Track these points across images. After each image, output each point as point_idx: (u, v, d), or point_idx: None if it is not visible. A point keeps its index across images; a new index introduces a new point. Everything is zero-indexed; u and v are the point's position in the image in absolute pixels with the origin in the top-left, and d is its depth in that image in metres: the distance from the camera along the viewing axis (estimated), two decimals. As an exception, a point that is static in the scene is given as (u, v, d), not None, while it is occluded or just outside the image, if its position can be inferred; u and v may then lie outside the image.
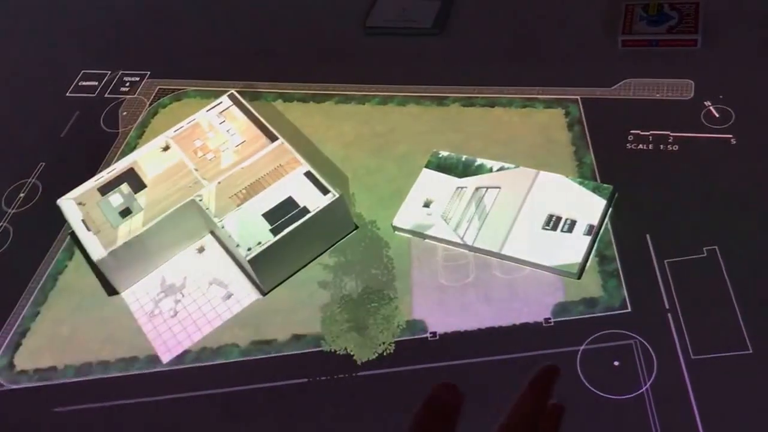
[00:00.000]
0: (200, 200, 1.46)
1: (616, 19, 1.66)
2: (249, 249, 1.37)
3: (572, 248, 1.32)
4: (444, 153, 1.51)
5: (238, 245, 1.38)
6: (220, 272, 1.47)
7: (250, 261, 1.36)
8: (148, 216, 1.46)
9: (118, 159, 1.65)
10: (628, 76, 1.58)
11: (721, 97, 1.50)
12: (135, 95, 1.86)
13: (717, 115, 1.48)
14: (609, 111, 1.54)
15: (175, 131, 1.60)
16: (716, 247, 1.30)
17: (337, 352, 1.31)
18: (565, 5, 1.78)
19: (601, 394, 1.17)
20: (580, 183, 1.41)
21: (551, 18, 1.77)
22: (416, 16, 1.82)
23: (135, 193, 1.51)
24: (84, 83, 1.94)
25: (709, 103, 1.50)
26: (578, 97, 1.57)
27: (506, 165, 1.46)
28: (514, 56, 1.70)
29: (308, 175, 1.45)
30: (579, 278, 1.30)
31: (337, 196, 1.41)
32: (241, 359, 1.35)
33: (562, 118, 1.55)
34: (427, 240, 1.42)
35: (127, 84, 1.90)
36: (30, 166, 1.75)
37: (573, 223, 1.35)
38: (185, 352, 1.38)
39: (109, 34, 2.09)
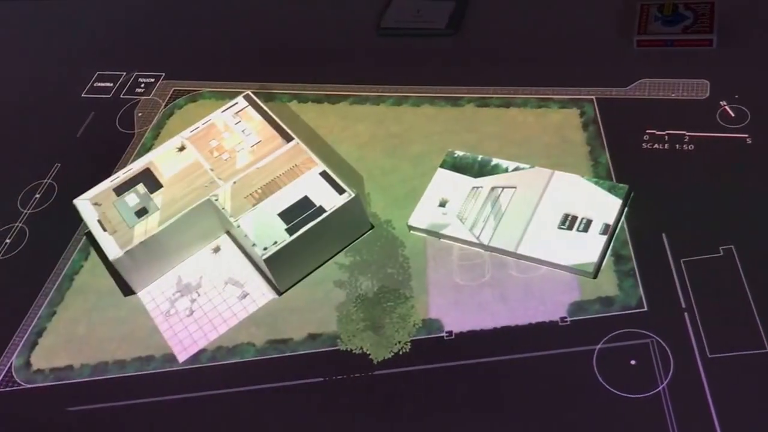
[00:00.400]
0: (216, 200, 1.47)
1: (631, 19, 1.66)
2: (265, 248, 1.37)
3: (588, 247, 1.32)
4: (459, 153, 1.52)
5: (254, 245, 1.38)
6: (236, 272, 1.47)
7: (266, 260, 1.36)
8: (164, 216, 1.47)
9: (134, 159, 1.65)
10: (644, 76, 1.58)
11: (736, 96, 1.50)
12: (150, 96, 1.87)
13: (733, 115, 1.48)
14: (624, 111, 1.54)
15: (191, 132, 1.61)
16: (732, 246, 1.29)
17: (353, 351, 1.31)
18: (579, 5, 1.78)
19: (618, 393, 1.17)
20: (596, 183, 1.41)
21: (566, 18, 1.77)
22: (430, 17, 1.83)
23: (151, 193, 1.52)
24: (99, 84, 1.94)
25: (725, 103, 1.50)
26: (593, 97, 1.57)
27: (521, 165, 1.46)
28: (528, 56, 1.70)
29: (324, 174, 1.46)
30: (595, 277, 1.30)
31: (353, 195, 1.41)
32: (257, 358, 1.35)
33: (577, 118, 1.55)
34: (442, 239, 1.42)
35: (142, 85, 1.91)
36: (46, 167, 1.76)
37: (589, 222, 1.35)
38: (201, 352, 1.38)
39: (123, 35, 2.10)
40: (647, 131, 1.49)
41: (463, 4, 1.85)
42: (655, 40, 1.63)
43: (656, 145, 1.46)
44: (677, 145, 1.45)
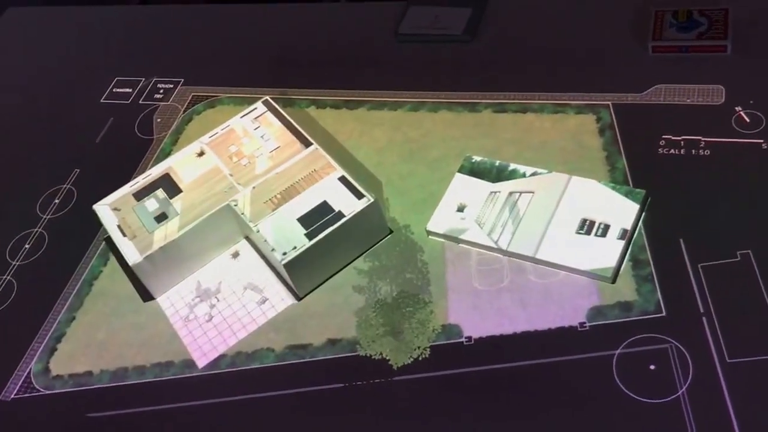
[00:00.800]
0: (235, 205, 1.47)
1: (646, 25, 1.67)
2: (284, 253, 1.37)
3: (606, 252, 1.33)
4: (477, 158, 1.52)
5: (273, 249, 1.39)
6: (255, 277, 1.48)
7: (285, 265, 1.37)
8: (184, 221, 1.47)
9: (153, 165, 1.66)
10: (659, 82, 1.58)
11: (751, 102, 1.51)
12: (169, 102, 1.88)
13: (748, 120, 1.48)
14: (640, 116, 1.54)
15: (210, 137, 1.62)
16: (750, 251, 1.30)
17: (373, 357, 1.32)
18: (595, 12, 1.79)
19: (638, 398, 1.18)
20: (613, 188, 1.41)
21: (581, 24, 1.78)
22: (447, 23, 1.83)
23: (170, 198, 1.52)
24: (118, 90, 1.95)
25: (740, 109, 1.50)
26: (609, 102, 1.58)
27: (539, 170, 1.47)
28: (545, 62, 1.71)
29: (342, 179, 1.46)
30: (613, 282, 1.31)
31: (372, 200, 1.42)
32: (277, 364, 1.36)
33: (593, 123, 1.56)
34: (461, 244, 1.42)
35: (161, 91, 1.92)
36: (65, 173, 1.77)
37: (606, 227, 1.36)
38: (220, 357, 1.39)
39: (142, 41, 2.12)
40: (663, 136, 1.49)
41: (479, 11, 1.86)
42: (670, 46, 1.63)
43: (672, 151, 1.47)
44: (693, 151, 1.46)
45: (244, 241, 1.53)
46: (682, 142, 1.48)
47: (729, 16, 1.63)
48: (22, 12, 2.34)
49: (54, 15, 2.31)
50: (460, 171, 1.51)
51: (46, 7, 2.34)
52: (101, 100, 1.94)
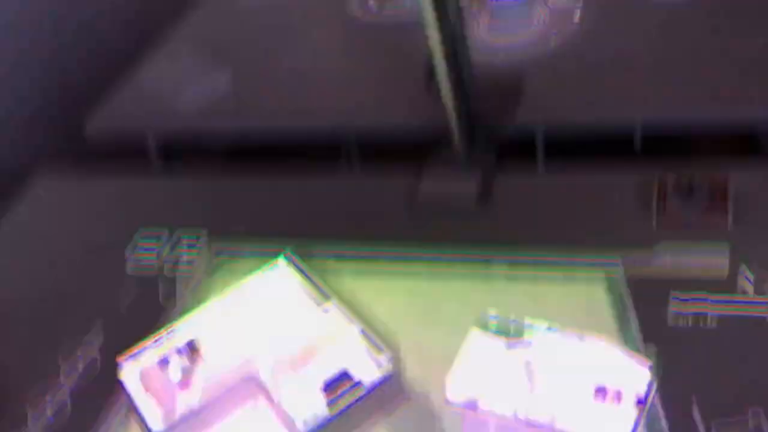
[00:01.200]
0: (256, 370, 1.50)
1: (650, 193, 1.74)
2: (304, 422, 1.39)
3: (621, 420, 1.34)
4: (492, 320, 1.55)
5: (293, 419, 1.41)
6: (275, 443, 1.49)
7: (306, 434, 1.39)
8: (206, 386, 1.50)
9: (176, 325, 1.67)
10: (665, 248, 1.63)
11: (756, 268, 1.55)
12: (192, 256, 1.91)
13: (753, 287, 1.52)
14: (648, 279, 1.58)
15: (231, 297, 1.66)
16: (761, 411, 1.32)
17: None
18: (600, 179, 1.84)
19: None
20: (625, 349, 1.44)
21: (587, 192, 1.83)
22: (459, 193, 1.89)
23: (192, 363, 1.55)
24: (142, 244, 1.99)
25: (745, 275, 1.54)
26: (618, 265, 1.62)
27: (553, 331, 1.50)
28: (555, 228, 1.76)
29: (361, 343, 1.50)
30: (629, 451, 1.33)
31: (391, 366, 1.45)
32: None
33: (603, 285, 1.60)
34: (479, 410, 1.44)
35: (184, 244, 1.95)
36: (86, 336, 1.78)
37: (621, 393, 1.38)
38: None
39: (166, 194, 2.17)
40: (672, 298, 1.53)
41: (490, 179, 1.91)
42: (674, 216, 1.69)
43: (681, 313, 1.50)
44: (702, 313, 1.49)
45: (264, 407, 1.54)
46: (690, 304, 1.51)
47: (729, 185, 1.70)
48: (47, 180, 2.37)
49: (77, 183, 2.33)
50: (476, 333, 1.53)
51: (70, 176, 2.36)
52: (124, 253, 1.97)
